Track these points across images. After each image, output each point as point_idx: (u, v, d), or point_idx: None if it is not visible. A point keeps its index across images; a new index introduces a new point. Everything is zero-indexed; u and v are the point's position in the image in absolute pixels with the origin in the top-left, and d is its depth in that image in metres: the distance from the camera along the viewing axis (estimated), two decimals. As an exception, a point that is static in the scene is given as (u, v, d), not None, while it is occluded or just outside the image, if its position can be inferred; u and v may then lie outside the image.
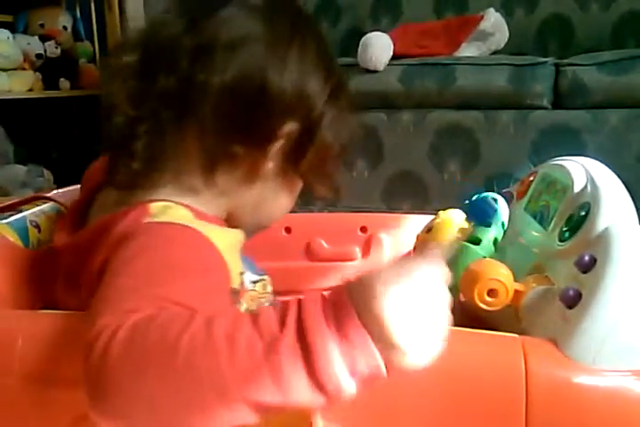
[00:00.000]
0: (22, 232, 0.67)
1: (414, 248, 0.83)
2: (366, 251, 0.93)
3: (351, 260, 0.95)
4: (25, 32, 2.40)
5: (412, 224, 0.94)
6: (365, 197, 1.78)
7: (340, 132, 0.66)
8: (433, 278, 0.44)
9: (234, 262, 0.59)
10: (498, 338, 0.53)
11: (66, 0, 2.55)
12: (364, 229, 0.96)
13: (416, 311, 0.42)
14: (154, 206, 0.57)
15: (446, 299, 0.44)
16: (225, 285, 0.54)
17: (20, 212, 0.71)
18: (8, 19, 2.40)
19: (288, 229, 0.98)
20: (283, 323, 0.42)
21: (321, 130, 0.63)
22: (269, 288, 0.66)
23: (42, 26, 2.42)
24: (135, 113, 0.60)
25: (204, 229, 0.56)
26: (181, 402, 0.41)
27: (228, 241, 0.60)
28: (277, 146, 0.62)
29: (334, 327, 0.41)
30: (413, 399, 0.51)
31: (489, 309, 0.59)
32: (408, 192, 1.76)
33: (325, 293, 0.44)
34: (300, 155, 0.63)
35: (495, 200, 0.70)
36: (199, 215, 0.60)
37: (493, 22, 1.94)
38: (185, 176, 0.61)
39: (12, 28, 2.35)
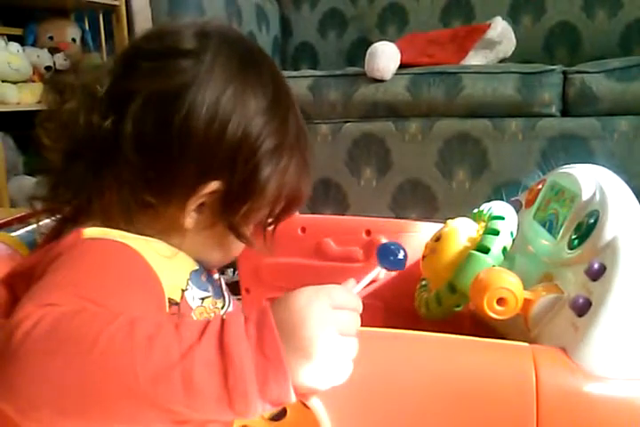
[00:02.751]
0: (32, 245, 0.68)
1: (423, 257, 0.83)
2: (368, 254, 0.94)
3: (356, 261, 0.96)
4: (34, 45, 2.41)
5: (416, 230, 0.94)
6: (373, 205, 1.78)
7: (290, 183, 0.65)
8: (353, 301, 0.48)
9: (174, 278, 0.60)
10: (508, 347, 0.53)
11: (74, 13, 2.57)
12: (368, 233, 0.97)
13: (332, 328, 0.44)
14: (87, 230, 0.58)
15: (357, 323, 0.47)
16: (151, 295, 0.55)
17: (30, 224, 0.71)
18: (17, 32, 2.41)
19: (303, 229, 1.01)
20: (204, 331, 0.43)
21: (257, 189, 0.62)
22: (219, 304, 0.66)
23: (51, 38, 2.44)
24: (67, 156, 0.61)
25: (137, 244, 0.57)
26: (90, 393, 0.42)
27: (167, 257, 0.60)
28: (197, 203, 0.61)
29: (254, 341, 0.43)
30: (425, 407, 0.50)
31: (498, 317, 0.59)
32: (416, 201, 1.76)
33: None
34: (229, 212, 0.62)
35: (399, 249, 0.72)
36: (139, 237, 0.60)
37: (500, 31, 1.94)
38: (112, 223, 0.60)
39: (22, 40, 2.37)
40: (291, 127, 0.65)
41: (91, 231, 0.58)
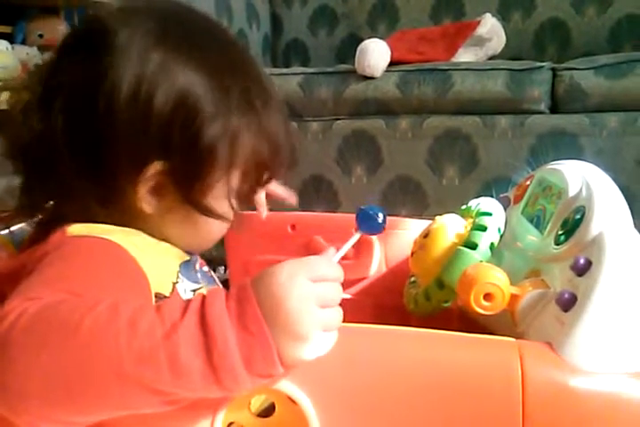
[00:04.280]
0: (20, 244, 0.67)
1: (412, 253, 0.83)
2: (357, 251, 0.94)
3: (346, 258, 0.96)
4: (24, 42, 2.40)
5: (406, 227, 0.95)
6: (364, 202, 1.77)
7: (245, 148, 0.62)
8: (332, 271, 0.48)
9: (162, 271, 0.60)
10: (494, 342, 0.53)
11: (64, 10, 2.56)
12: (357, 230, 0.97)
13: (314, 301, 0.44)
14: (71, 227, 0.58)
15: (339, 294, 0.47)
16: (138, 290, 0.55)
17: (17, 223, 0.71)
18: (6, 29, 2.40)
19: (293, 226, 1.00)
20: (185, 309, 0.43)
21: (203, 161, 0.60)
22: None
23: (40, 36, 2.42)
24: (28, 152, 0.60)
25: (124, 239, 0.57)
26: (77, 380, 0.42)
27: (153, 250, 0.61)
28: (147, 186, 0.60)
29: (235, 317, 0.43)
30: (411, 403, 0.51)
31: (485, 313, 0.60)
32: (406, 198, 1.77)
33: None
34: (184, 189, 0.60)
35: (381, 212, 0.72)
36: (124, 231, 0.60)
37: (490, 27, 1.94)
38: (92, 217, 0.61)
39: (11, 38, 2.36)
40: (235, 93, 0.61)
41: (75, 229, 0.58)
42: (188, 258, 0.66)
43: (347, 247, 0.63)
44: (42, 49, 2.36)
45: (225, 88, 0.60)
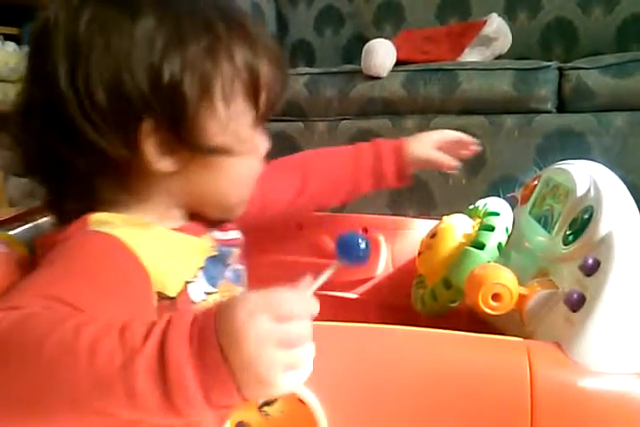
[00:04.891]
0: (29, 243, 0.68)
1: (419, 253, 0.83)
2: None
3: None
4: (31, 44, 2.41)
5: (413, 227, 0.95)
6: (371, 203, 1.78)
7: (208, 72, 0.58)
8: (298, 308, 0.43)
9: (175, 268, 0.59)
10: (503, 342, 0.53)
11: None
12: (365, 230, 0.97)
13: (274, 343, 0.41)
14: (94, 217, 0.58)
15: (306, 332, 0.43)
16: (132, 294, 0.54)
17: (27, 223, 0.72)
18: (14, 31, 2.41)
19: (300, 226, 1.01)
20: (147, 335, 0.41)
21: (179, 97, 0.57)
22: (240, 291, 0.66)
23: (47, 37, 2.43)
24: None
25: (138, 232, 0.57)
26: (33, 400, 0.42)
27: (170, 245, 0.60)
28: (152, 147, 0.58)
29: (195, 351, 0.41)
30: (419, 402, 0.51)
31: (493, 313, 0.60)
32: (413, 198, 1.76)
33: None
34: (182, 136, 0.58)
35: (363, 239, 0.65)
36: (142, 224, 0.60)
37: (496, 27, 1.94)
38: (98, 194, 0.61)
39: (19, 40, 2.37)
40: (187, 21, 0.58)
41: (96, 218, 0.58)
42: (215, 253, 0.65)
43: (323, 278, 0.57)
44: (48, 50, 2.37)
45: (174, 19, 0.58)
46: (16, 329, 0.43)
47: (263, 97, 0.63)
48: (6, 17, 2.36)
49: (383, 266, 0.96)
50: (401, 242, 0.95)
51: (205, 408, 0.41)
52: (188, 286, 0.60)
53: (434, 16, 2.27)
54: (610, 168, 0.67)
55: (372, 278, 0.96)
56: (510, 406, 0.49)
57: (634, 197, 0.61)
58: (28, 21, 2.43)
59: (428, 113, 1.75)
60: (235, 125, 0.61)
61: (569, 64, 1.69)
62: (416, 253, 0.85)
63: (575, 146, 1.61)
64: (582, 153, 1.42)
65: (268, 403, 0.52)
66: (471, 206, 0.86)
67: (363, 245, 0.64)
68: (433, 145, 0.89)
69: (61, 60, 0.56)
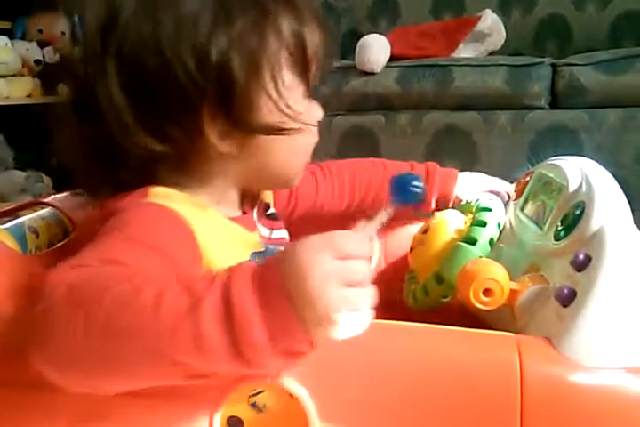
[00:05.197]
0: (20, 238, 0.67)
1: (411, 249, 0.83)
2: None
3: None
4: (23, 38, 2.40)
5: (406, 222, 0.94)
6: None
7: (252, 47, 0.57)
8: (358, 248, 0.44)
9: (222, 257, 0.59)
10: (493, 337, 0.53)
11: (64, 5, 2.56)
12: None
13: (338, 280, 0.41)
14: (154, 189, 0.59)
15: (367, 272, 0.44)
16: (183, 263, 0.54)
17: (18, 217, 0.71)
18: (6, 25, 2.40)
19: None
20: (210, 283, 0.42)
21: (227, 77, 0.56)
22: None
23: (40, 31, 2.43)
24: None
25: (194, 216, 0.57)
26: (104, 350, 0.43)
27: (222, 233, 0.61)
28: (212, 129, 0.58)
29: (259, 292, 0.41)
30: (409, 397, 0.51)
31: (485, 308, 0.60)
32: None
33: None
34: (230, 115, 0.58)
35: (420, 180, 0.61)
36: (200, 205, 0.61)
37: (490, 23, 1.94)
38: (158, 178, 0.61)
39: (11, 34, 2.36)
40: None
41: (157, 190, 0.59)
42: (262, 249, 0.65)
43: (379, 220, 0.54)
44: (41, 44, 2.36)
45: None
46: (83, 285, 0.44)
47: (312, 68, 0.62)
48: (-2, 11, 2.35)
49: (375, 261, 0.96)
50: (393, 237, 0.94)
51: (271, 354, 0.41)
52: None
53: (428, 12, 2.27)
54: (602, 164, 0.68)
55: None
56: (500, 401, 0.49)
57: (625, 194, 0.62)
58: (20, 15, 2.43)
59: (421, 109, 1.75)
60: (287, 101, 0.60)
61: (562, 60, 1.69)
62: (408, 248, 0.85)
63: (568, 142, 1.62)
64: (575, 149, 1.43)
65: (256, 393, 0.52)
66: (463, 202, 0.86)
67: (417, 182, 0.60)
68: (480, 191, 0.87)
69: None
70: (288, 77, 0.60)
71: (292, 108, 0.60)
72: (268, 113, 0.59)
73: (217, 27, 0.56)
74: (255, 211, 0.71)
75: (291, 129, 0.61)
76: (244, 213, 0.69)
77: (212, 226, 0.60)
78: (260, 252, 0.65)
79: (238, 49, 0.56)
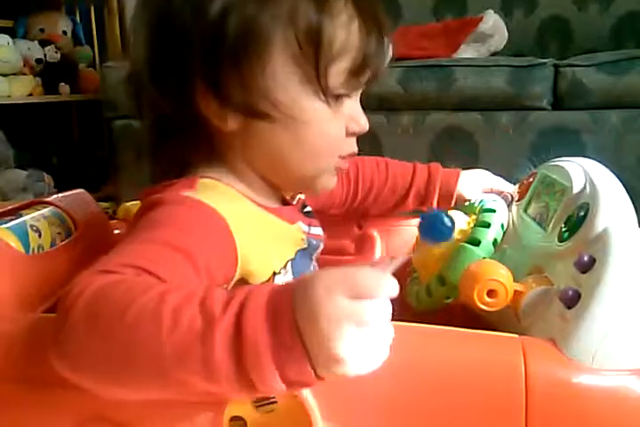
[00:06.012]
0: (23, 237, 0.67)
1: (413, 249, 0.83)
2: (359, 247, 0.94)
3: (347, 254, 0.96)
4: (25, 37, 2.40)
5: (408, 223, 0.94)
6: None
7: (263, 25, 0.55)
8: (377, 287, 0.41)
9: (265, 256, 0.59)
10: (497, 338, 0.53)
11: (65, 5, 2.56)
12: (360, 226, 0.97)
13: (349, 322, 0.40)
14: (202, 182, 0.59)
15: (385, 312, 0.42)
16: (214, 265, 0.54)
17: (21, 216, 0.71)
18: (8, 24, 2.40)
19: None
20: (227, 306, 0.41)
21: (243, 51, 0.56)
22: None
23: (42, 31, 2.42)
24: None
25: (235, 214, 0.57)
26: (119, 361, 0.43)
27: (264, 234, 0.60)
28: (213, 104, 0.58)
29: (271, 323, 0.40)
30: (413, 399, 0.51)
31: (488, 309, 0.60)
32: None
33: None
34: (225, 93, 0.57)
35: (450, 218, 0.62)
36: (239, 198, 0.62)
37: (492, 24, 1.94)
38: (192, 168, 0.62)
39: (12, 33, 2.36)
40: None
41: (204, 182, 0.60)
42: (305, 246, 0.64)
43: (401, 259, 0.53)
44: (43, 43, 2.36)
45: None
46: (104, 293, 0.44)
47: (331, 68, 0.58)
48: (0, 10, 2.35)
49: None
50: (396, 238, 0.94)
51: (279, 385, 0.41)
52: (276, 277, 0.59)
53: (430, 12, 2.27)
54: (604, 166, 0.67)
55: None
56: (505, 403, 0.49)
57: (628, 195, 0.62)
58: (21, 14, 2.43)
59: (423, 109, 1.75)
60: (287, 88, 0.58)
61: (564, 61, 1.69)
62: (411, 248, 0.84)
63: (570, 143, 1.62)
64: (577, 150, 1.42)
65: (263, 401, 0.52)
66: (467, 203, 0.86)
67: (447, 223, 0.60)
68: (482, 189, 0.88)
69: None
70: (285, 67, 0.57)
71: (271, 97, 0.57)
72: (260, 97, 0.57)
73: (233, 6, 0.55)
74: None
75: (266, 117, 0.58)
76: (285, 204, 0.69)
77: (254, 227, 0.59)
78: (304, 248, 0.65)
79: (238, 13, 0.54)
